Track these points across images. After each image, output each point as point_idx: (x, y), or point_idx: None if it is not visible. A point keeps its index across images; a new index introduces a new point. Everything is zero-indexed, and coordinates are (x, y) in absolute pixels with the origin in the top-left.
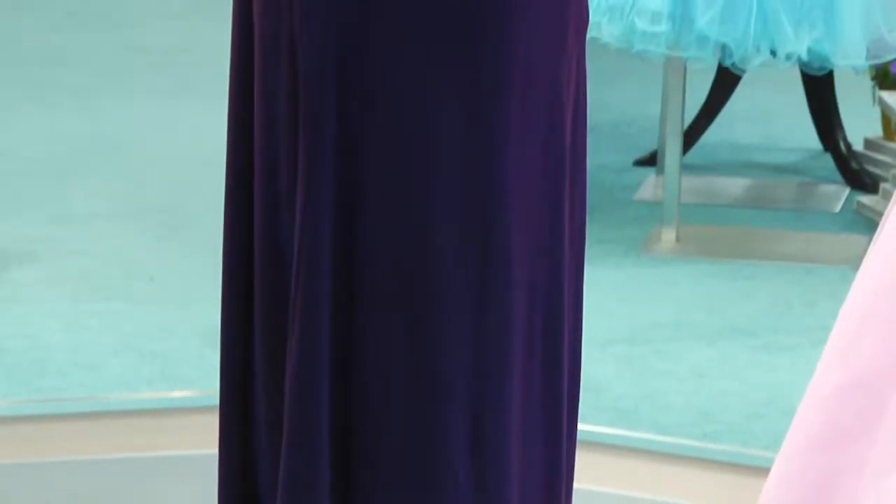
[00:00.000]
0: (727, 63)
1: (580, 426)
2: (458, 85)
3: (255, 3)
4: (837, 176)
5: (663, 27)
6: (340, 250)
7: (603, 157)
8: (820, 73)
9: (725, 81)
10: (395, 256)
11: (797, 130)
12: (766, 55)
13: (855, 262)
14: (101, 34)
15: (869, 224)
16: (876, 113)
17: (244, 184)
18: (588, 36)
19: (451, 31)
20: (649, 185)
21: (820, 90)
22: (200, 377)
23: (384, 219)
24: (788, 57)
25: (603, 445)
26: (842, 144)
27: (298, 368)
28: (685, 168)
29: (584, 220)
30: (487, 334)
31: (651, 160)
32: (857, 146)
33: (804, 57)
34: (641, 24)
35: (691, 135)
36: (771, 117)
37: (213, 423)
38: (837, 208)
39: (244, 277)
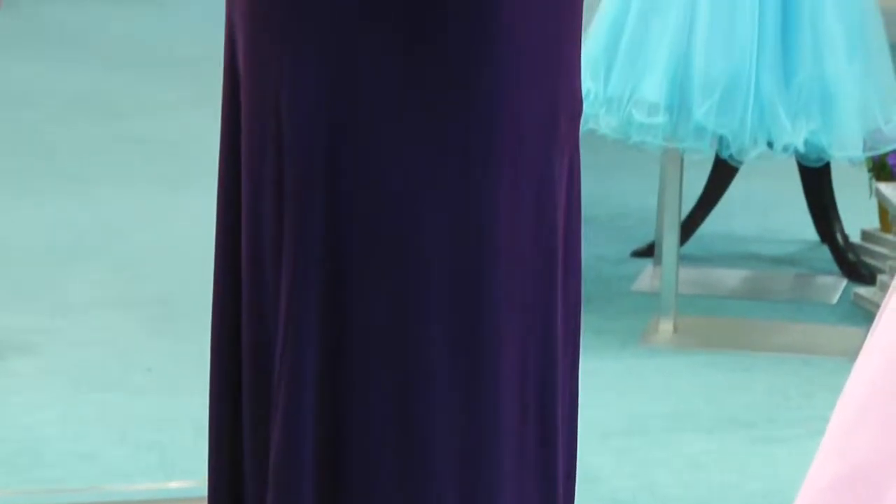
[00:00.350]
0: (724, 154)
1: None
2: (447, 179)
3: (244, 99)
4: (835, 267)
5: (660, 119)
6: (326, 352)
7: (601, 248)
8: (817, 165)
9: (723, 173)
10: (383, 342)
11: (794, 222)
12: (763, 147)
13: (852, 354)
14: (99, 125)
15: (866, 316)
16: (873, 205)
17: (232, 272)
18: (585, 127)
19: (442, 130)
20: (647, 276)
21: (817, 182)
22: (198, 468)
23: (373, 310)
24: (785, 149)
25: None
26: (839, 236)
27: (281, 458)
28: (683, 259)
29: (580, 310)
30: (476, 417)
31: (648, 251)
32: (855, 238)
33: (801, 149)
34: (639, 116)
35: (689, 226)
36: (768, 208)
37: None
38: (835, 300)
39: (233, 370)
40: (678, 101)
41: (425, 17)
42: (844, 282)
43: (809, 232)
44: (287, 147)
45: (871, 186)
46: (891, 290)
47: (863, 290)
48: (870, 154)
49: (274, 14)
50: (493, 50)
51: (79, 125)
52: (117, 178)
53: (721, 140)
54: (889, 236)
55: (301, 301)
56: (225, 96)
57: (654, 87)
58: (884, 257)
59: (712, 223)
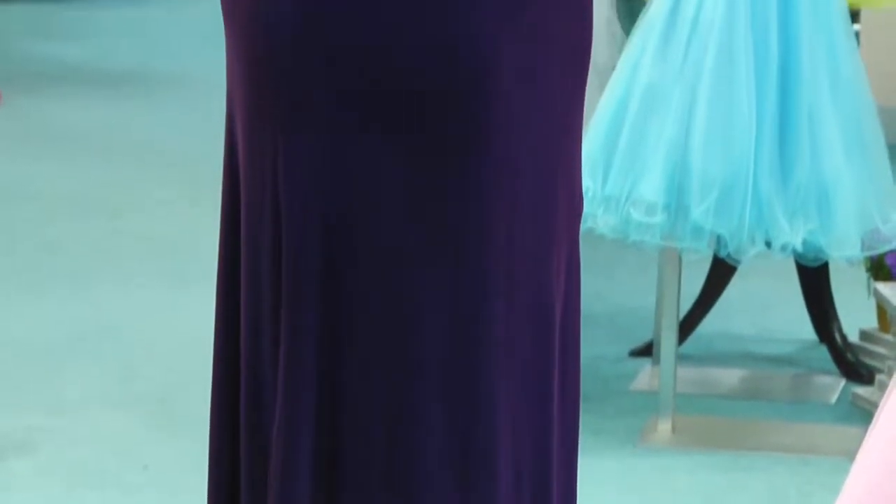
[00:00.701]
0: (722, 254)
1: None
2: (444, 281)
3: (243, 194)
4: (833, 367)
5: (659, 218)
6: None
7: (599, 347)
8: (815, 265)
9: (721, 272)
10: (377, 449)
11: (793, 321)
12: (761, 246)
13: (851, 454)
14: (98, 222)
15: (865, 415)
16: (871, 304)
17: (231, 369)
18: (583, 227)
19: (440, 231)
20: (645, 375)
21: (815, 281)
22: None
23: (366, 426)
24: (783, 248)
25: None
26: (837, 336)
27: None
28: (681, 358)
29: (578, 409)
30: None
31: (647, 351)
32: (853, 337)
33: (799, 248)
34: (637, 215)
35: (687, 325)
36: (766, 308)
37: None
38: (833, 400)
39: (232, 469)
40: (676, 201)
41: (422, 120)
42: (843, 382)
43: (808, 331)
44: (285, 244)
45: (869, 286)
46: (889, 389)
47: (861, 390)
48: (868, 254)
49: (271, 107)
50: (490, 151)
51: (77, 222)
52: (115, 275)
53: (719, 239)
54: (888, 336)
55: (297, 398)
56: (225, 193)
57: (652, 187)
58: (882, 357)
59: (710, 322)
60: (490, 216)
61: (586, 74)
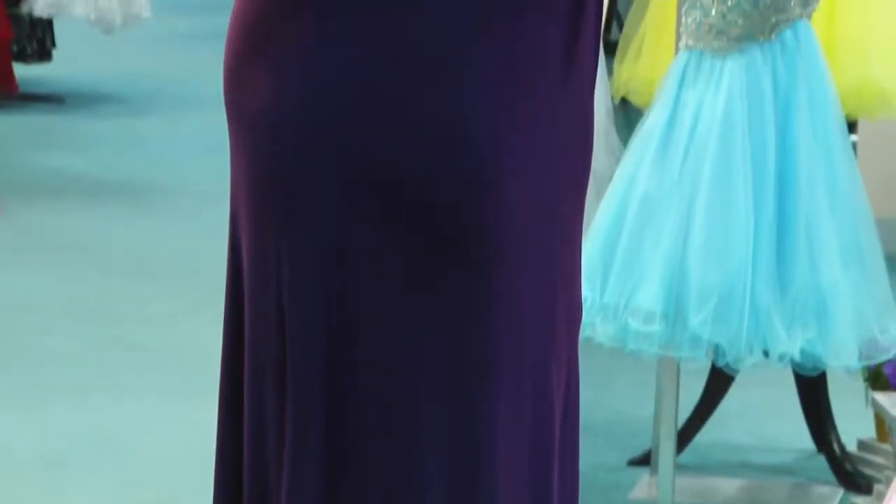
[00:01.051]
0: (720, 363)
1: None
2: (446, 389)
3: (247, 293)
4: (831, 477)
5: (657, 327)
6: None
7: (597, 456)
8: (813, 374)
9: (719, 381)
10: None
11: (791, 431)
12: (758, 356)
13: None
14: (96, 332)
15: None
16: (869, 414)
17: (234, 480)
18: (582, 335)
19: (442, 339)
20: (644, 484)
21: (813, 390)
22: None
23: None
24: (781, 358)
25: None
26: (835, 445)
27: None
28: (679, 468)
29: None
30: None
31: (645, 460)
32: (851, 447)
33: (797, 357)
34: (635, 324)
35: (685, 434)
36: (764, 417)
37: None
38: None
39: None
40: (674, 310)
41: (428, 228)
42: (841, 492)
43: (806, 441)
44: (289, 349)
45: (867, 396)
46: (886, 499)
47: (860, 500)
48: (865, 363)
49: (276, 211)
50: (492, 260)
51: (75, 332)
52: (114, 386)
53: (717, 349)
54: (886, 446)
55: (301, 493)
56: (228, 298)
57: (650, 296)
58: (880, 467)
59: (709, 432)
60: (493, 323)
61: (586, 186)
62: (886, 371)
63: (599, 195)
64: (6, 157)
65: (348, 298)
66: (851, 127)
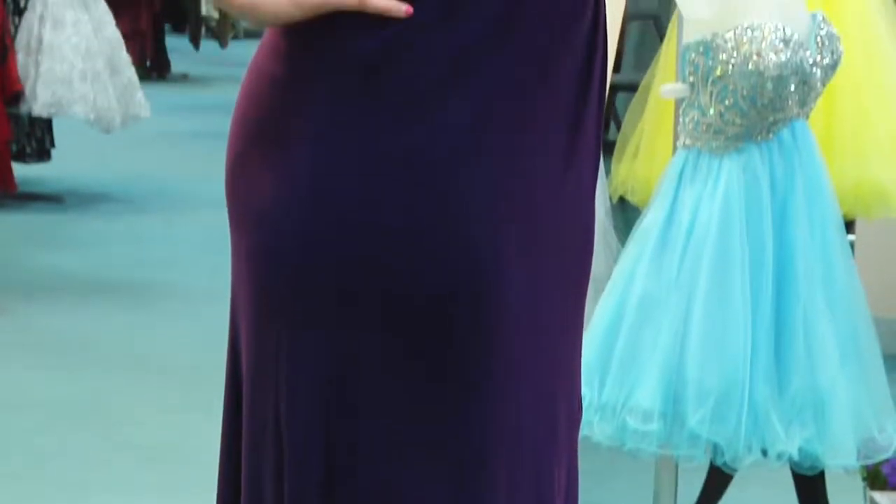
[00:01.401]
0: (719, 462)
1: None
2: (447, 491)
3: (245, 393)
4: None
5: (655, 426)
6: None
7: None
8: (811, 473)
9: (717, 480)
10: None
11: None
12: (757, 454)
13: None
14: (94, 431)
15: None
16: None
17: None
18: (580, 434)
19: (440, 440)
20: None
21: (811, 490)
22: None
23: None
24: (779, 456)
25: None
26: None
27: None
28: None
29: None
30: None
31: None
32: None
33: (795, 456)
34: (633, 423)
35: None
36: None
37: None
38: None
39: None
40: (672, 409)
41: (428, 327)
42: None
43: None
44: (287, 451)
45: (865, 495)
46: None
47: None
48: (864, 463)
49: (277, 306)
50: (492, 363)
51: (73, 432)
52: (111, 486)
53: (715, 447)
54: None
55: None
56: (226, 400)
57: (648, 394)
58: None
59: None
60: (494, 423)
61: (586, 290)
62: (885, 470)
63: (597, 295)
64: (5, 256)
65: (346, 419)
66: (849, 226)
